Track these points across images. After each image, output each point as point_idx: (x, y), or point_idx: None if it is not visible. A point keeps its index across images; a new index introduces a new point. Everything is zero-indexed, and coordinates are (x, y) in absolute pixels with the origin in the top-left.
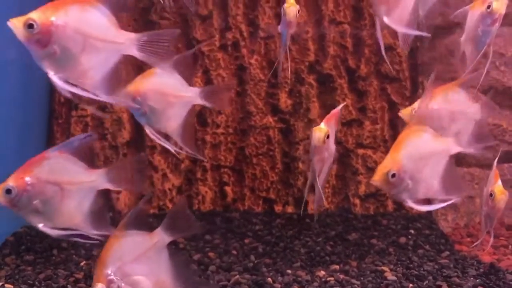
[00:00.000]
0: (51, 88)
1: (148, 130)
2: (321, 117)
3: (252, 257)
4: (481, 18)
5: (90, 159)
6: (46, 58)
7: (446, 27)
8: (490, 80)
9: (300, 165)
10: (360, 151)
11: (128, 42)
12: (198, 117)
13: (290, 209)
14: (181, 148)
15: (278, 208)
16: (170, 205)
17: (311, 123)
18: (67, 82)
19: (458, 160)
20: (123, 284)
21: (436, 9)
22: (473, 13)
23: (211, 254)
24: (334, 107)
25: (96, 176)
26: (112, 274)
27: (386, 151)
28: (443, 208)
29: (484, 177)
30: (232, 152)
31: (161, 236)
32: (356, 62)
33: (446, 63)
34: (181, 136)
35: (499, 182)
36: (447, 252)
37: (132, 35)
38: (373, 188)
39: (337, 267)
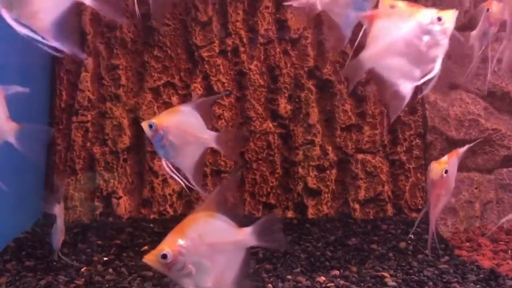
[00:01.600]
0: (52, 94)
1: (164, 162)
2: (320, 122)
3: (252, 263)
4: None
5: None
6: None
7: None
8: (489, 85)
9: (300, 170)
10: (360, 156)
11: None
12: None
13: (290, 214)
14: (189, 182)
15: (278, 213)
16: (170, 211)
17: (310, 128)
18: (19, 22)
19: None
20: (189, 264)
21: None
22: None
23: None
24: (333, 112)
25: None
26: (184, 246)
27: (385, 156)
28: (442, 212)
29: (484, 181)
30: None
31: (247, 237)
32: None
33: (443, 69)
34: (192, 173)
35: (445, 159)
36: (447, 257)
37: None
38: (373, 193)
39: (337, 272)
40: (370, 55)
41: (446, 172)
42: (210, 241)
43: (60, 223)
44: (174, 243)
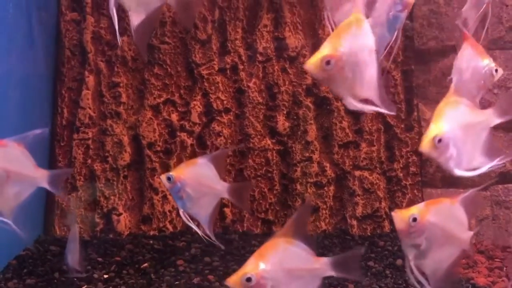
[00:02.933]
0: (53, 111)
1: (181, 213)
2: (318, 139)
3: None
4: None
5: None
6: None
7: (440, 50)
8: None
9: (298, 186)
10: (357, 173)
11: None
12: (198, 139)
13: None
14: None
15: (276, 229)
16: (170, 227)
17: (308, 145)
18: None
19: (453, 181)
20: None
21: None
22: None
23: (210, 276)
24: (330, 129)
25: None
26: (267, 270)
27: (383, 173)
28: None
29: (480, 197)
30: (231, 173)
31: (324, 266)
32: None
33: (440, 86)
34: (207, 223)
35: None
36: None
37: None
38: (370, 209)
39: None
40: None
41: (414, 220)
42: (289, 267)
43: (75, 242)
44: (257, 267)
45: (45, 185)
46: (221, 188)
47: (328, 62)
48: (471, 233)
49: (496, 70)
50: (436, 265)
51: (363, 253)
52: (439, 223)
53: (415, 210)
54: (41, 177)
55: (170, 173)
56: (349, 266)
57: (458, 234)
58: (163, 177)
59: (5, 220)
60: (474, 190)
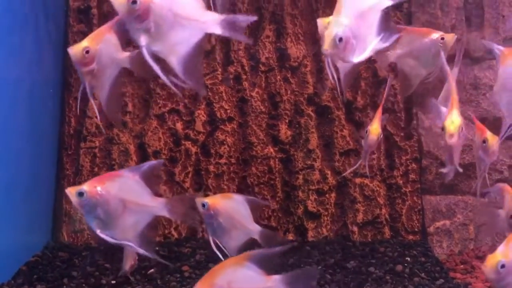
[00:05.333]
0: (61, 120)
1: (211, 239)
2: (320, 147)
3: None
4: None
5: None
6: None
7: None
8: (481, 111)
9: (300, 193)
10: (358, 180)
11: (211, 22)
12: (202, 148)
13: (290, 237)
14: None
15: (279, 235)
16: (175, 233)
17: (310, 153)
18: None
19: (452, 188)
20: None
21: None
22: None
23: None
24: (332, 137)
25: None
26: None
27: (383, 180)
28: (438, 235)
29: (478, 204)
30: (235, 181)
31: (276, 284)
32: (353, 94)
33: (438, 95)
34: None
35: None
36: (442, 280)
37: (216, 15)
38: (370, 216)
39: None
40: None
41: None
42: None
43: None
44: None
45: (165, 214)
46: (253, 228)
47: (340, 39)
48: None
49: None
50: None
51: (317, 271)
52: None
53: None
54: (159, 207)
55: (205, 199)
56: (303, 283)
57: None
58: (199, 201)
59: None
60: None
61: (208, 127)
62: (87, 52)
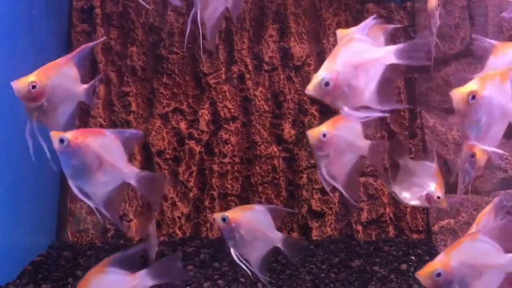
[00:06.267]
0: None
1: (232, 251)
2: None
3: (260, 285)
4: None
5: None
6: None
7: (442, 59)
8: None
9: (304, 192)
10: (362, 179)
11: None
12: (206, 147)
13: (295, 236)
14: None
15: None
16: (179, 233)
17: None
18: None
19: (454, 187)
20: None
21: None
22: None
23: (220, 281)
24: None
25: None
26: None
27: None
28: (442, 234)
29: (482, 203)
30: (239, 180)
31: (142, 279)
32: None
33: (442, 94)
34: (259, 268)
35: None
36: None
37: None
38: (375, 215)
39: None
40: None
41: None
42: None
43: (153, 239)
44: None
45: (133, 183)
46: (275, 237)
47: (327, 84)
48: None
49: None
50: None
51: (180, 257)
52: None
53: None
54: (130, 174)
55: (226, 213)
56: (169, 269)
57: None
58: (217, 216)
59: (92, 203)
60: None
61: (212, 127)
62: (33, 87)
